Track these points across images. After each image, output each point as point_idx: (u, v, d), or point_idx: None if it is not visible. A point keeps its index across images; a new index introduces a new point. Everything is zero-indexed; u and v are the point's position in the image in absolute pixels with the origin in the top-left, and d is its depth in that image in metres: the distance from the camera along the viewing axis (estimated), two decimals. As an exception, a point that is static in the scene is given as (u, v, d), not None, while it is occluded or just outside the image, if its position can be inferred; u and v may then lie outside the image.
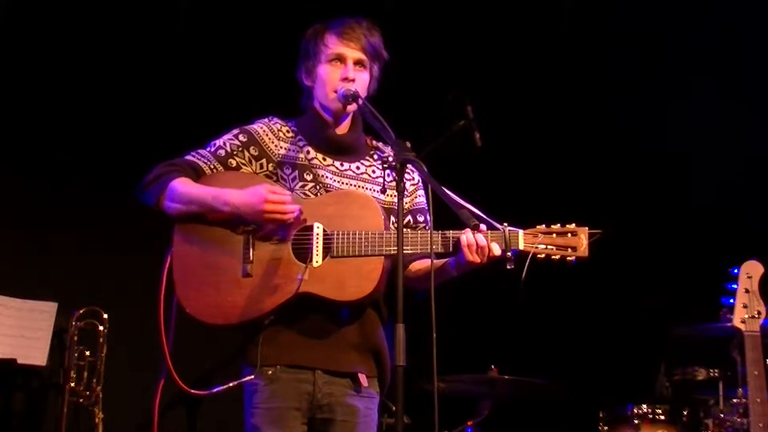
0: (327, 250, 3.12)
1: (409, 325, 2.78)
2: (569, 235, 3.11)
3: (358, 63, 3.30)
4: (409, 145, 2.99)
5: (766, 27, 5.55)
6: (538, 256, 3.09)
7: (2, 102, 5.19)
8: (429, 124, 3.30)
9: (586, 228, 3.13)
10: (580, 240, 3.11)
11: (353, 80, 3.26)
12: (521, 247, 3.09)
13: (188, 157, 3.29)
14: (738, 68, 5.72)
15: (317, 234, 3.13)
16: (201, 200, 3.17)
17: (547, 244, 3.10)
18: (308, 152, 3.31)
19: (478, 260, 3.07)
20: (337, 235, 3.12)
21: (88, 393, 4.87)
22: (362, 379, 3.21)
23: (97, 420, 4.86)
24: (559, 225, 3.13)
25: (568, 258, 3.11)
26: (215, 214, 3.17)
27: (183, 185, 3.19)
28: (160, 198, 3.20)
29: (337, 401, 3.18)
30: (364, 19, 3.35)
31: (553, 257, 3.10)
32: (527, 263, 3.07)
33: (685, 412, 4.89)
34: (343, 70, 3.28)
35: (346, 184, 3.30)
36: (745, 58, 5.70)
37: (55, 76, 5.32)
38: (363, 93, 3.25)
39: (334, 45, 3.29)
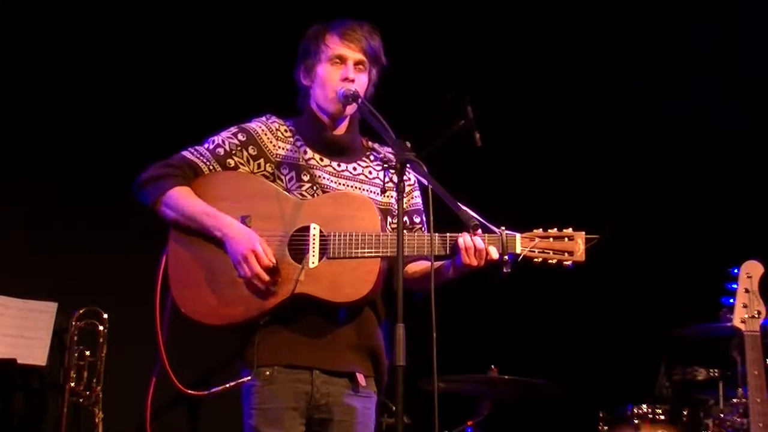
0: (323, 251, 3.12)
1: (409, 325, 2.78)
2: (566, 239, 3.10)
3: (358, 64, 3.29)
4: (409, 145, 2.99)
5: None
6: (535, 260, 3.09)
7: (2, 102, 5.19)
8: (429, 124, 3.29)
9: (583, 232, 3.12)
10: (577, 244, 3.10)
11: (353, 81, 3.25)
12: (518, 250, 3.09)
13: (186, 155, 3.27)
14: (737, 67, 5.72)
15: (314, 235, 3.13)
16: (195, 218, 3.17)
17: (543, 249, 3.09)
18: (305, 152, 3.31)
19: (476, 263, 3.07)
20: (334, 236, 3.11)
21: (88, 393, 4.87)
22: (360, 378, 3.21)
23: (97, 420, 4.85)
24: (555, 229, 3.12)
25: (565, 262, 3.10)
26: (206, 232, 3.17)
27: (182, 195, 3.18)
28: (157, 201, 3.19)
29: (336, 401, 3.18)
30: (365, 22, 3.34)
31: (550, 261, 3.10)
32: (519, 259, 3.08)
33: (685, 412, 4.90)
34: (344, 70, 3.27)
35: (343, 185, 3.30)
36: (744, 54, 5.70)
37: (55, 75, 5.31)
38: (362, 95, 3.25)
39: (335, 45, 3.28)
